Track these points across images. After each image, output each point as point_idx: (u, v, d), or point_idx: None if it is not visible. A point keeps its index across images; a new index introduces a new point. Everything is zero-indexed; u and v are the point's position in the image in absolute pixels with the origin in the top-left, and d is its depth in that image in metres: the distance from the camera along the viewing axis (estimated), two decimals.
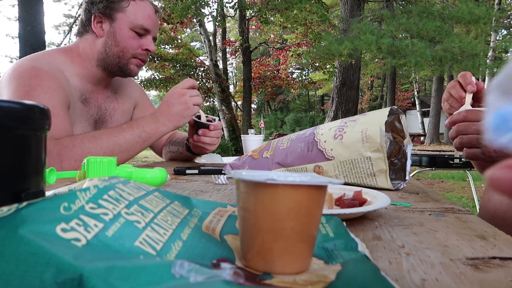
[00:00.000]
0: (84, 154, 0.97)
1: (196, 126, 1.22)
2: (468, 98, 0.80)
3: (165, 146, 1.46)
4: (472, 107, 0.79)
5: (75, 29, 1.23)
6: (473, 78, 0.81)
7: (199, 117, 1.21)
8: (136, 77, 1.49)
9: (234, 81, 27.09)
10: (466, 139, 0.72)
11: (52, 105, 1.01)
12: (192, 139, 1.23)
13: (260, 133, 7.70)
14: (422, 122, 19.20)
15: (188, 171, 1.00)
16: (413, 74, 18.20)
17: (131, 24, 1.13)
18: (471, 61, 6.91)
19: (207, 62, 12.16)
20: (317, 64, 12.07)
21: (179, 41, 12.49)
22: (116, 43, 1.14)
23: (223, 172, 1.00)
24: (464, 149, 0.74)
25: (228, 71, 19.50)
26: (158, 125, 1.08)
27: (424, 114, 19.59)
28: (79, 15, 1.22)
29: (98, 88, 1.22)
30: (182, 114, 1.09)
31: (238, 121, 12.76)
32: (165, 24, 10.20)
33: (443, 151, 3.80)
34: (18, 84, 1.01)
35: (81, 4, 1.20)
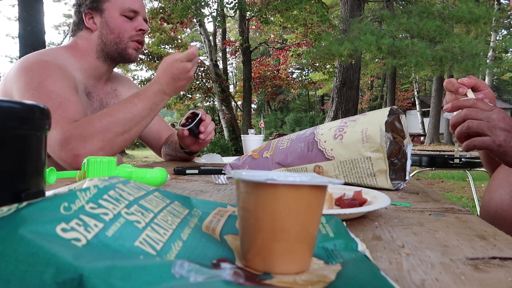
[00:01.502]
0: (104, 131, 0.98)
1: (189, 131, 1.26)
2: (470, 93, 0.79)
3: (163, 147, 1.46)
4: None
5: None
6: (455, 80, 0.79)
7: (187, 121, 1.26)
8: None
9: (234, 81, 27.08)
10: (476, 124, 0.67)
11: (64, 92, 1.03)
12: (195, 146, 1.32)
13: (260, 133, 7.69)
14: (422, 122, 19.20)
15: (188, 171, 1.00)
16: (413, 74, 18.20)
17: (120, 10, 1.18)
18: (471, 61, 6.90)
19: (207, 62, 12.15)
20: (317, 64, 12.07)
21: (179, 41, 12.48)
22: (111, 30, 1.19)
23: (223, 172, 1.00)
24: (467, 141, 0.70)
25: (228, 71, 19.50)
26: (164, 97, 1.11)
27: (424, 114, 19.59)
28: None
29: (99, 84, 1.26)
30: (184, 86, 1.13)
31: (238, 121, 12.76)
32: (165, 24, 10.18)
33: (443, 151, 3.80)
34: (29, 77, 1.03)
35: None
